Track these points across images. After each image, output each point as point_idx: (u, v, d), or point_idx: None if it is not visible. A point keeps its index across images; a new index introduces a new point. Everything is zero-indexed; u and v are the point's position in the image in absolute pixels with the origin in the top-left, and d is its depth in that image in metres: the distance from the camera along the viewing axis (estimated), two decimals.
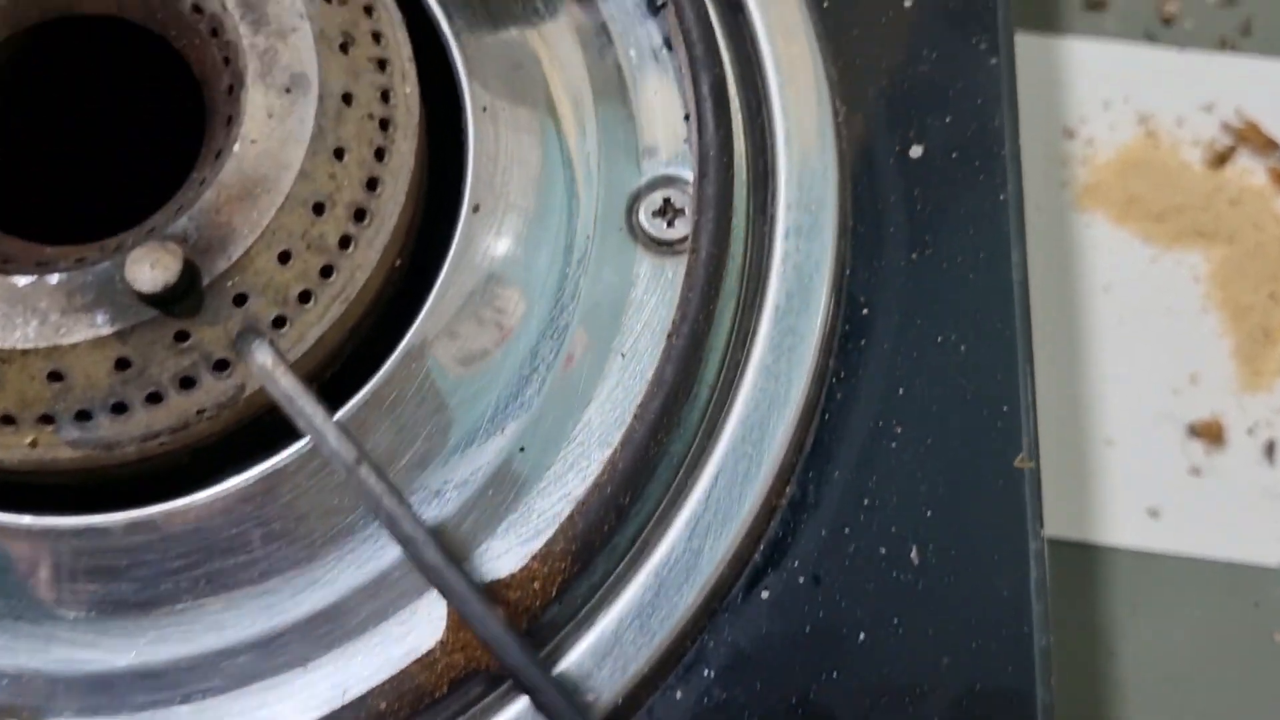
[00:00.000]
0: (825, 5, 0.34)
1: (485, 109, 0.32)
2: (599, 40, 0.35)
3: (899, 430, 0.31)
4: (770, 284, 0.31)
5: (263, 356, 0.25)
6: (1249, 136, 0.55)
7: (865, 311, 0.32)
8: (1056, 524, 0.49)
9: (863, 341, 0.31)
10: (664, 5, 0.34)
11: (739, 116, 0.33)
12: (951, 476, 0.30)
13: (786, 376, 0.30)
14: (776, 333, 0.31)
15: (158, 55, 0.30)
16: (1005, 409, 0.31)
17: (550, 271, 0.32)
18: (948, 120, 0.33)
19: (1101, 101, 0.56)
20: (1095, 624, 0.49)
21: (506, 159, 0.32)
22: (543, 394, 0.31)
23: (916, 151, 0.33)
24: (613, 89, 0.34)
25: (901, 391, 0.31)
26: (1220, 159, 0.54)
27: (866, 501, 0.30)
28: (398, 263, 0.31)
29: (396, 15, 0.31)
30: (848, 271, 0.32)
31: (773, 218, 0.32)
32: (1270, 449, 0.51)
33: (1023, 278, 0.32)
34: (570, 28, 0.35)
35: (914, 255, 0.32)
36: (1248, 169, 0.55)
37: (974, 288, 0.32)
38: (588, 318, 0.32)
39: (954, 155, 0.33)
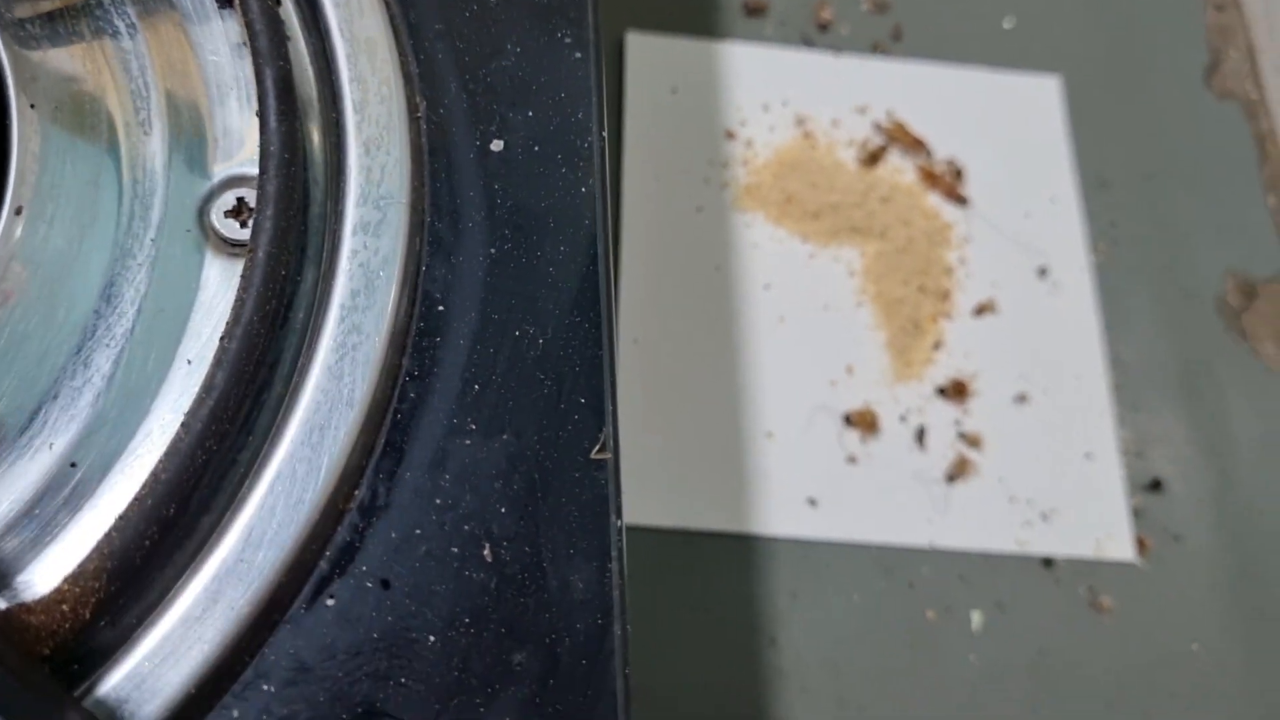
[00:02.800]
0: None
1: (33, 106, 0.30)
2: (172, 37, 0.33)
3: (473, 427, 0.30)
4: (336, 282, 0.30)
5: None
6: (898, 136, 0.57)
7: (441, 308, 0.31)
8: (718, 518, 0.50)
9: (438, 339, 0.30)
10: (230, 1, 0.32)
11: (316, 110, 0.32)
12: (527, 472, 0.30)
13: (351, 377, 0.29)
14: (341, 332, 0.29)
15: None
16: (583, 401, 0.31)
17: (105, 278, 0.30)
18: (530, 114, 0.33)
19: (761, 104, 0.57)
20: (757, 614, 0.49)
21: (56, 160, 0.30)
22: (98, 406, 0.29)
23: (497, 146, 0.32)
24: (186, 87, 0.32)
25: (477, 388, 0.30)
26: (873, 158, 0.56)
27: (439, 501, 0.29)
28: None
29: None
30: (423, 268, 0.31)
31: (341, 214, 0.30)
32: (920, 434, 0.53)
33: (607, 270, 0.32)
34: (142, 30, 0.33)
35: (493, 250, 0.31)
36: (898, 168, 0.57)
37: (554, 281, 0.31)
38: (151, 325, 0.30)
39: (535, 149, 0.32)
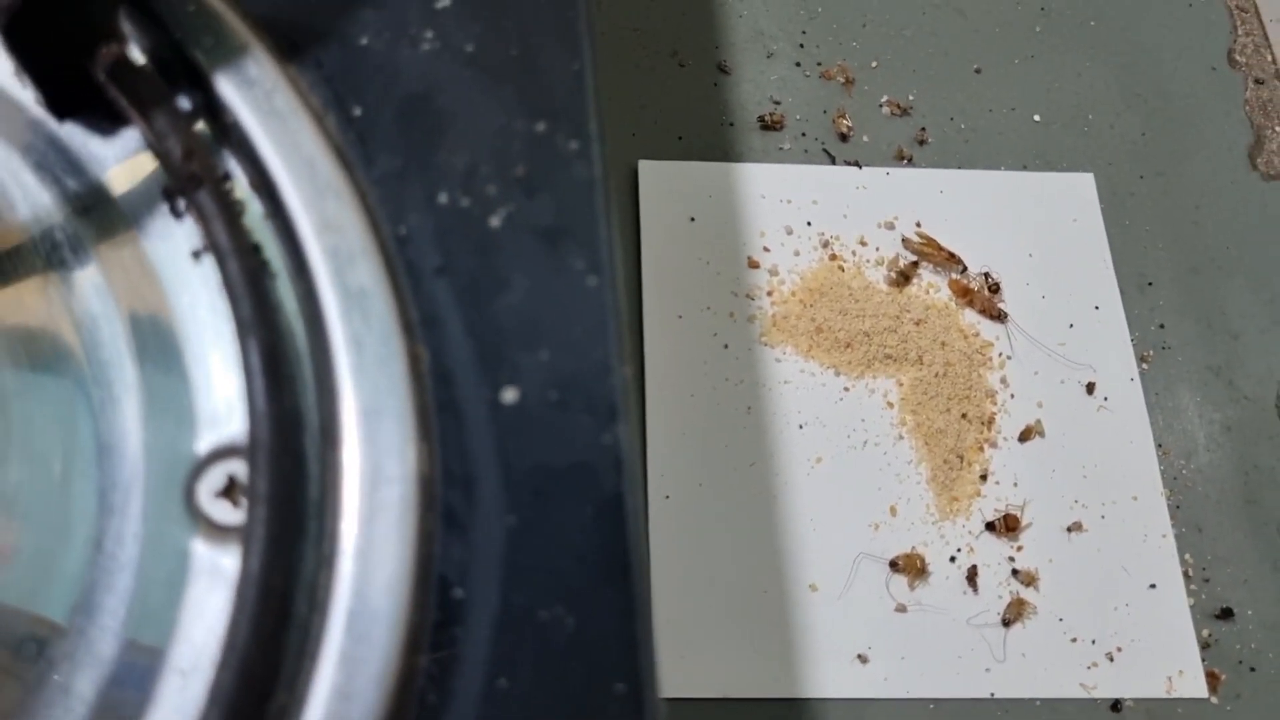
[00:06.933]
0: (403, 233, 0.30)
1: None
2: (143, 287, 0.29)
3: None
4: (339, 580, 0.26)
5: None
6: (929, 252, 0.53)
7: (459, 594, 0.27)
8: (761, 684, 0.46)
9: (457, 631, 0.27)
10: (200, 252, 0.29)
11: (309, 375, 0.28)
12: None
13: (362, 698, 0.25)
14: (348, 642, 0.26)
15: None
16: (622, 690, 0.27)
17: (81, 584, 0.26)
18: (543, 357, 0.29)
19: (783, 227, 0.53)
20: None
21: (20, 455, 0.27)
22: None
23: (510, 396, 0.29)
24: (161, 344, 0.29)
25: (504, 683, 0.27)
26: (904, 277, 0.52)
27: None
28: None
29: None
30: (436, 551, 0.27)
31: (339, 496, 0.27)
32: (972, 576, 0.49)
33: (638, 532, 0.28)
34: (103, 276, 0.29)
35: (511, 520, 0.28)
36: (932, 284, 0.53)
37: (581, 551, 0.28)
38: (135, 635, 0.26)
39: (552, 397, 0.29)
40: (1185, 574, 0.49)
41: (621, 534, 0.28)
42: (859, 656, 0.46)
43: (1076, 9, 0.59)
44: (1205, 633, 0.48)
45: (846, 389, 0.50)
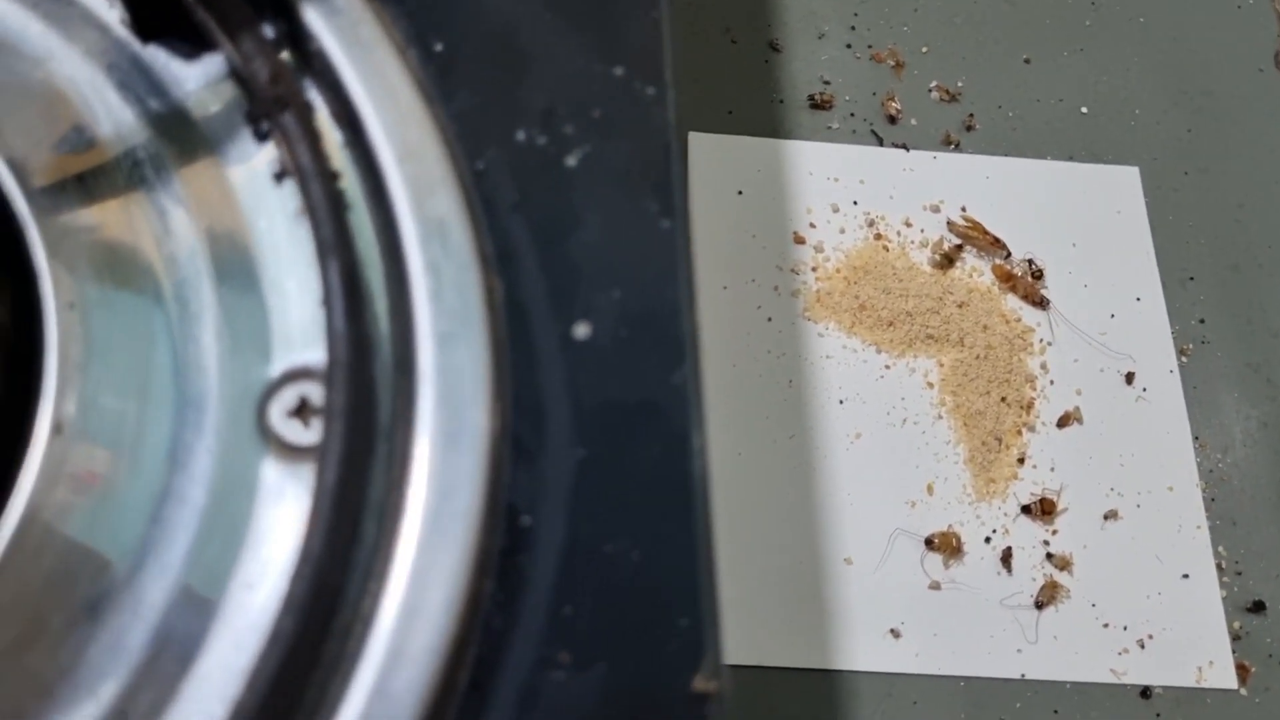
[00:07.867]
0: (481, 167, 0.30)
1: (73, 305, 0.27)
2: (222, 209, 0.29)
3: (566, 658, 0.26)
4: (409, 500, 0.26)
5: None
6: (973, 235, 0.53)
7: (527, 521, 0.27)
8: (795, 654, 0.46)
9: (524, 558, 0.27)
10: (282, 175, 0.29)
11: (384, 298, 0.29)
12: (625, 709, 0.26)
13: (430, 613, 0.25)
14: (419, 563, 0.26)
15: None
16: (685, 623, 0.27)
17: (156, 499, 0.27)
18: (615, 295, 0.29)
19: (830, 205, 0.53)
20: None
21: (100, 365, 0.27)
22: (147, 646, 0.26)
23: (582, 331, 0.29)
24: (238, 266, 0.29)
25: (569, 611, 0.27)
26: (948, 260, 0.52)
27: None
28: None
29: None
30: (506, 479, 0.27)
31: (412, 420, 0.27)
32: (1007, 557, 0.49)
33: (703, 472, 0.28)
34: (183, 196, 0.29)
35: (580, 453, 0.28)
36: (975, 268, 0.53)
37: (648, 487, 0.28)
38: (205, 548, 0.27)
39: (623, 334, 0.29)
40: (1218, 566, 0.49)
41: (687, 473, 0.28)
42: (891, 631, 0.46)
43: (1126, 5, 0.60)
44: (1236, 625, 0.49)
45: (887, 367, 0.50)
